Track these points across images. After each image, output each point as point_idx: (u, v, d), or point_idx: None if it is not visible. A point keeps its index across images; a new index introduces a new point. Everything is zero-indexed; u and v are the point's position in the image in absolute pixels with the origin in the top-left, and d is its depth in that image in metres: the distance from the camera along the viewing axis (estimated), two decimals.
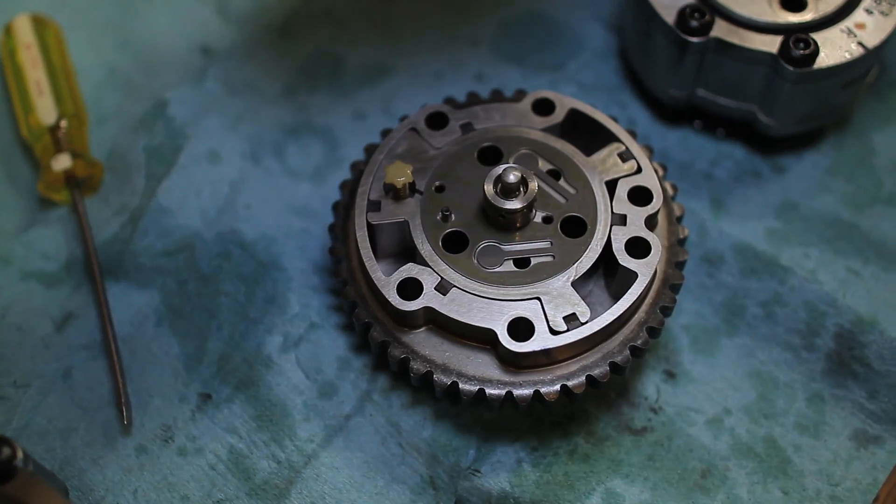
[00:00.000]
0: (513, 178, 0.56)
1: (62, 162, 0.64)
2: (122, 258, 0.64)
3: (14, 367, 0.61)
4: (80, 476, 0.57)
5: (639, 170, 0.58)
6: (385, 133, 0.61)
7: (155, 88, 0.70)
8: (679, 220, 0.59)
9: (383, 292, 0.55)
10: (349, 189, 0.61)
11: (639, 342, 0.56)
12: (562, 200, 0.58)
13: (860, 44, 0.61)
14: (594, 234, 0.57)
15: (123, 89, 0.70)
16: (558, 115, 0.61)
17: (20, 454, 0.49)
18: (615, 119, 0.61)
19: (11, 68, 0.67)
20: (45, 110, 0.65)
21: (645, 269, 0.56)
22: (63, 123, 0.65)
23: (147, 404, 0.59)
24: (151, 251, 0.64)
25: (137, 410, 0.59)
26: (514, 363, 0.55)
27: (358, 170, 0.61)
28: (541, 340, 0.54)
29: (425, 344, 0.56)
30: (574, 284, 0.56)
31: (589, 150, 0.60)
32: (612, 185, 0.58)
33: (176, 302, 0.62)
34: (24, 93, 0.66)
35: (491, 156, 0.59)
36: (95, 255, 0.63)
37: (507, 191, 0.56)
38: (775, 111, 0.63)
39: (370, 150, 0.61)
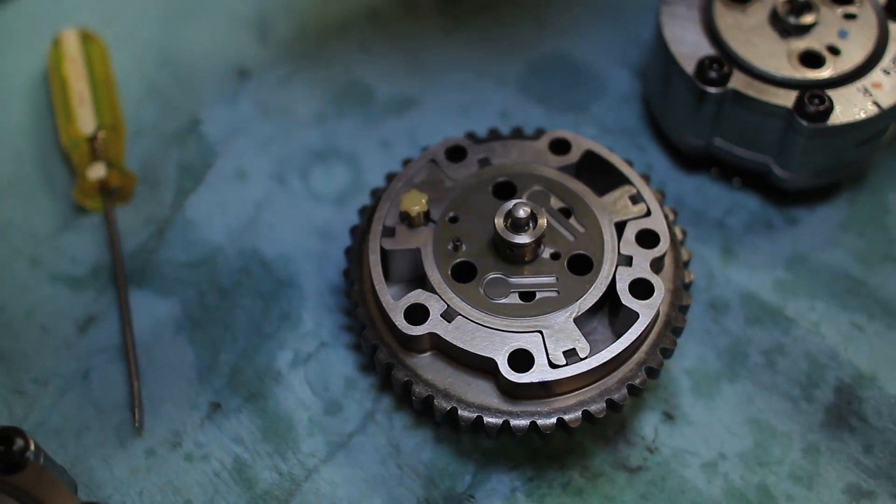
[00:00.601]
0: (522, 213, 0.57)
1: (97, 171, 0.66)
2: (147, 267, 0.66)
3: (35, 365, 0.63)
4: (90, 474, 0.59)
5: (648, 213, 0.60)
6: (406, 162, 0.63)
7: (191, 106, 0.72)
8: (686, 264, 0.61)
9: (391, 316, 0.57)
10: (368, 214, 0.62)
11: (637, 381, 0.57)
12: (570, 238, 0.59)
13: (875, 103, 0.62)
14: (599, 272, 0.58)
15: (161, 105, 0.72)
16: (574, 155, 0.62)
17: (32, 446, 0.51)
18: (631, 163, 0.62)
19: (57, 79, 0.70)
20: (85, 120, 0.68)
21: (647, 310, 0.57)
22: (101, 134, 0.67)
23: (159, 409, 0.61)
24: (175, 262, 0.66)
25: (150, 414, 0.61)
26: (513, 393, 0.56)
27: (377, 196, 0.63)
28: (539, 373, 0.55)
29: (429, 368, 0.57)
30: (576, 321, 0.57)
31: (602, 191, 0.61)
32: (620, 227, 0.60)
33: (195, 312, 0.64)
34: (66, 103, 0.69)
35: (505, 191, 0.61)
36: (122, 263, 0.65)
37: (517, 225, 0.57)
38: (790, 164, 0.64)
39: (391, 177, 0.63)
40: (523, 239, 0.57)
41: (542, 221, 0.58)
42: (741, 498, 0.59)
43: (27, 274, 0.66)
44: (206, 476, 0.59)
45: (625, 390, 0.57)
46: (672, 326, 0.58)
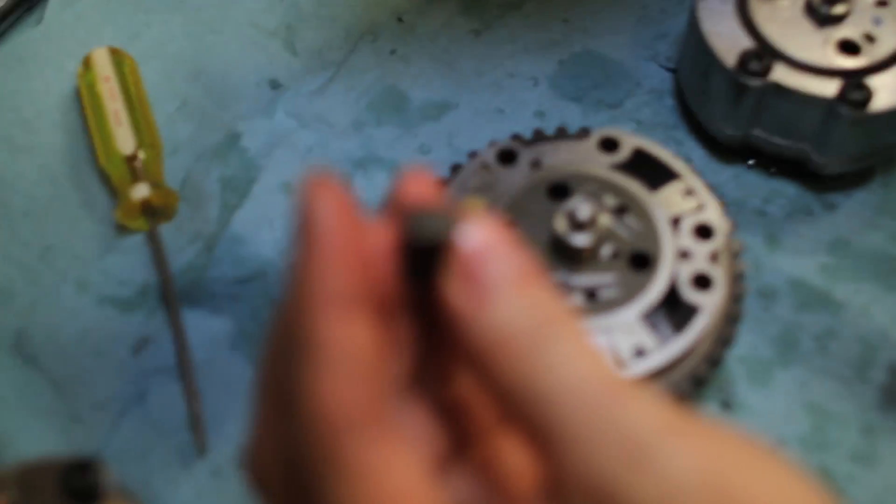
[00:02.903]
0: (584, 213, 0.58)
1: (141, 191, 0.66)
2: (197, 285, 0.66)
3: (91, 390, 0.63)
4: (156, 498, 0.59)
5: (701, 206, 0.61)
6: (455, 168, 0.64)
7: (227, 120, 0.72)
8: (738, 255, 0.62)
9: None
10: None
11: (702, 373, 0.58)
12: (628, 236, 0.60)
13: None
14: (659, 268, 0.59)
15: (195, 120, 0.72)
16: (623, 153, 0.63)
17: (110, 476, 0.51)
18: (677, 156, 0.63)
19: (90, 99, 0.70)
20: (124, 140, 0.67)
21: (708, 303, 0.58)
22: (140, 153, 0.67)
23: (221, 428, 0.61)
24: (226, 279, 0.66)
25: (212, 434, 0.61)
26: None
27: None
28: None
29: None
30: (640, 317, 0.58)
31: (653, 187, 0.62)
32: (675, 221, 0.60)
33: (249, 328, 0.64)
34: (102, 123, 0.68)
35: (559, 192, 0.62)
36: (171, 282, 0.65)
37: (578, 226, 0.58)
38: (829, 151, 0.66)
39: (442, 183, 0.63)
40: (585, 238, 0.58)
41: (603, 220, 0.58)
42: None
43: (75, 298, 0.66)
44: None
45: (691, 383, 0.58)
46: (730, 317, 0.59)
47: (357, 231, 0.36)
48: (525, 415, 0.36)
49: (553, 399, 0.35)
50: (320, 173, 0.36)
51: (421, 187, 0.38)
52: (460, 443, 0.41)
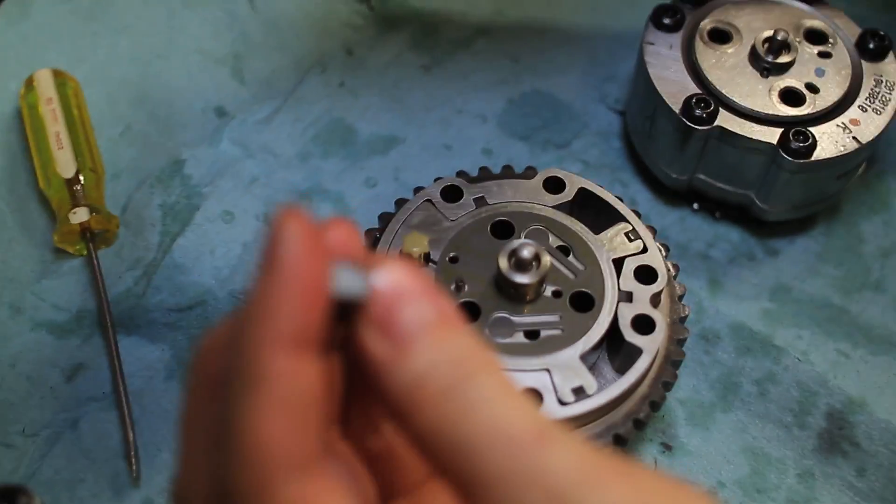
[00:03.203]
0: (527, 253, 0.58)
1: (80, 215, 0.65)
2: (134, 312, 0.65)
3: (22, 416, 0.61)
4: None
5: (644, 249, 0.61)
6: (400, 203, 0.63)
7: (170, 147, 0.71)
8: (680, 298, 0.62)
9: None
10: None
11: (641, 415, 0.58)
12: (571, 276, 0.60)
13: (855, 138, 0.64)
14: (602, 309, 0.59)
15: (139, 146, 0.71)
16: (568, 194, 0.63)
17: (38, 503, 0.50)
18: (620, 198, 0.63)
19: (31, 121, 0.69)
20: (65, 163, 0.66)
21: (650, 346, 0.58)
22: (81, 177, 0.66)
23: (155, 458, 0.60)
24: (163, 306, 0.65)
25: (146, 464, 0.60)
26: None
27: (373, 236, 0.63)
28: (550, 411, 0.56)
29: None
30: (581, 357, 0.58)
31: (596, 228, 0.62)
32: (618, 263, 0.61)
33: (186, 357, 0.63)
34: (43, 146, 0.67)
35: (503, 230, 0.62)
36: (108, 308, 0.64)
37: (521, 265, 0.58)
38: (771, 198, 0.66)
39: (385, 218, 0.63)
40: (528, 278, 0.58)
41: (546, 261, 0.58)
42: None
43: (8, 322, 0.64)
44: None
45: (630, 424, 0.58)
46: (671, 360, 0.60)
47: (321, 268, 0.36)
48: (447, 463, 0.35)
49: (474, 445, 0.35)
50: (292, 206, 0.36)
51: (344, 238, 0.38)
52: (390, 493, 0.40)
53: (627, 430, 0.58)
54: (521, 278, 0.58)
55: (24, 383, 0.62)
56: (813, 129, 0.64)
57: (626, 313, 0.59)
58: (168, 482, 0.59)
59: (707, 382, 0.64)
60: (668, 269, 0.62)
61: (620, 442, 0.58)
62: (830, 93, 0.66)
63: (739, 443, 0.62)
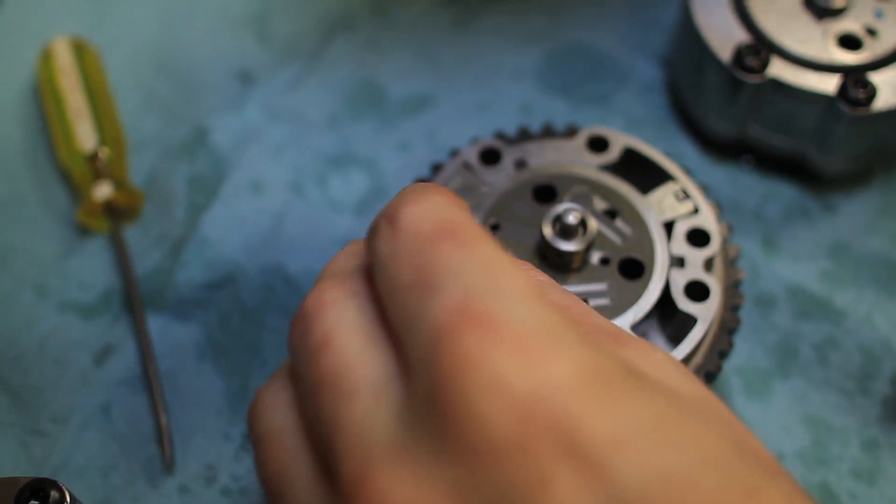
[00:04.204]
0: (572, 218, 0.55)
1: (103, 191, 0.62)
2: (163, 290, 0.62)
3: (52, 402, 0.59)
4: None
5: (696, 210, 0.58)
6: (436, 167, 0.60)
7: (194, 115, 0.68)
8: (734, 261, 0.59)
9: None
10: None
11: None
12: (619, 241, 0.57)
13: None
14: (652, 276, 0.56)
15: (162, 115, 0.68)
16: (613, 153, 0.60)
17: (69, 499, 0.48)
18: (668, 155, 0.60)
19: (50, 93, 0.66)
20: (85, 137, 0.64)
21: (705, 314, 0.55)
22: (103, 150, 0.63)
23: (189, 442, 0.58)
24: (193, 283, 0.62)
25: (180, 449, 0.58)
26: None
27: None
28: None
29: None
30: (632, 328, 0.55)
31: (643, 189, 0.59)
32: (668, 226, 0.57)
33: (218, 336, 0.61)
34: (62, 118, 0.65)
35: (546, 194, 0.58)
36: (136, 287, 0.62)
37: (567, 231, 0.55)
38: (828, 150, 0.63)
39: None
40: (574, 246, 0.55)
41: (593, 226, 0.55)
42: None
43: (34, 304, 0.62)
44: None
45: None
46: (727, 328, 0.56)
47: None
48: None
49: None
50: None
51: None
52: None
53: None
54: (567, 245, 0.55)
55: (52, 368, 0.60)
56: (873, 76, 0.60)
57: (679, 280, 0.56)
58: (204, 467, 0.57)
59: (763, 349, 0.61)
60: (721, 232, 0.59)
61: None
62: (891, 36, 0.62)
63: (799, 412, 0.59)
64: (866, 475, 0.58)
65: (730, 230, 0.59)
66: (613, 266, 0.56)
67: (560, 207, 0.55)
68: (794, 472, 0.57)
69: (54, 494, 0.48)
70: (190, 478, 0.57)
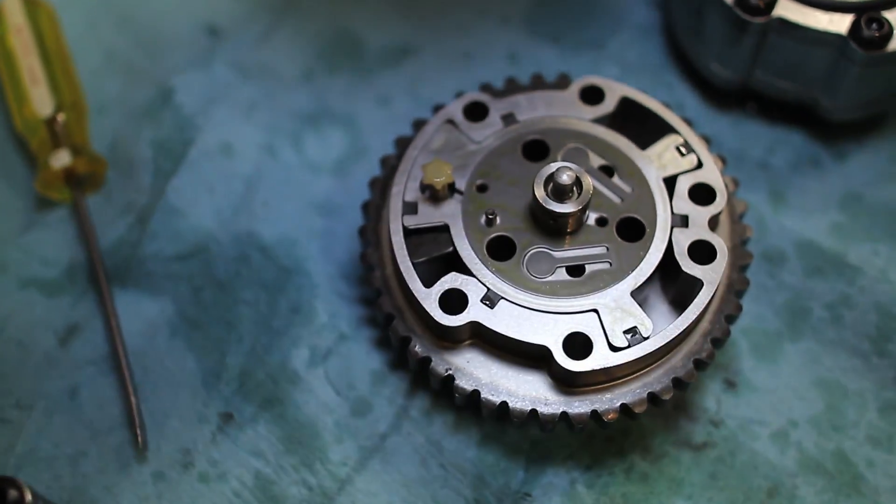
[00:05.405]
0: (566, 178, 0.51)
1: (61, 158, 0.58)
2: (130, 263, 0.59)
3: (16, 387, 0.56)
4: None
5: (699, 164, 0.54)
6: (418, 125, 0.56)
7: (159, 73, 0.64)
8: (741, 217, 0.55)
9: (424, 306, 0.50)
10: (380, 188, 0.55)
11: (703, 355, 0.51)
12: (617, 200, 0.53)
13: None
14: (654, 237, 0.52)
15: (124, 74, 0.64)
16: (608, 105, 0.56)
17: (28, 497, 0.45)
18: (668, 105, 0.56)
19: (2, 55, 0.62)
20: (41, 101, 0.60)
21: (711, 276, 0.51)
22: (61, 115, 0.60)
23: (163, 426, 0.55)
24: (162, 255, 0.59)
25: (153, 433, 0.55)
26: (569, 382, 0.50)
27: (389, 165, 0.56)
28: (600, 358, 0.49)
29: (471, 360, 0.51)
30: (633, 294, 0.51)
31: (642, 143, 0.55)
32: (670, 182, 0.53)
33: (191, 312, 0.57)
34: (16, 82, 0.61)
35: (537, 150, 0.54)
36: (101, 261, 0.58)
37: (560, 192, 0.51)
38: (838, 95, 0.59)
39: (402, 143, 0.56)
40: (568, 207, 0.51)
41: (588, 185, 0.51)
42: (818, 467, 0.54)
43: None
44: (224, 498, 0.53)
45: (691, 366, 0.51)
46: (735, 289, 0.53)
47: None
48: None
49: None
50: None
51: None
52: None
53: (688, 372, 0.51)
54: (561, 207, 0.51)
55: (15, 350, 0.57)
56: (887, 15, 0.56)
57: (682, 240, 0.52)
58: (178, 451, 0.54)
59: (773, 309, 0.58)
60: (727, 186, 0.55)
61: (681, 386, 0.51)
62: None
63: (811, 376, 0.56)
64: (885, 441, 0.54)
65: (735, 184, 0.56)
66: (612, 227, 0.53)
67: (553, 166, 0.51)
68: (807, 440, 0.54)
69: (12, 493, 0.45)
70: (164, 464, 0.54)
